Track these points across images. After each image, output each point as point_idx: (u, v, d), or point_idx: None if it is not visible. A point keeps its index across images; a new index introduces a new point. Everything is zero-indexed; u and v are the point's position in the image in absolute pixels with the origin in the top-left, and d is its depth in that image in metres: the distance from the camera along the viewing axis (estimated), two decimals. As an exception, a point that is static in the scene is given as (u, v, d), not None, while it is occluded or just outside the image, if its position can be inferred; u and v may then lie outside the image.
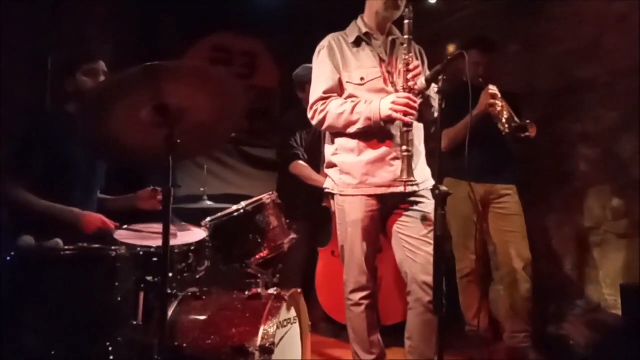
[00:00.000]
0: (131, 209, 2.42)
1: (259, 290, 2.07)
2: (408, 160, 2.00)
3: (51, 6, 3.33)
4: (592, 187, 3.27)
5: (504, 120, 2.76)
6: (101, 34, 3.55)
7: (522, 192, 3.12)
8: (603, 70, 3.22)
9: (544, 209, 3.45)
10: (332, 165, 2.27)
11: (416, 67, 2.06)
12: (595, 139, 3.26)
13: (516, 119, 2.75)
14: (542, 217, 3.43)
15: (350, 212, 2.19)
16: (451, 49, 1.88)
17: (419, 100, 2.06)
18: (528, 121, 2.72)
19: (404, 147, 2.01)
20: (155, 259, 1.92)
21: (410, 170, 2.00)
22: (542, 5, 3.53)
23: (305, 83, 3.15)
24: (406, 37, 2.07)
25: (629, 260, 3.04)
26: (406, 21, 2.07)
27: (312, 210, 3.20)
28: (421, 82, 1.98)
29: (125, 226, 2.11)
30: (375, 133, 2.13)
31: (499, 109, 2.78)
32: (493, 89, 2.84)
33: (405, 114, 2.00)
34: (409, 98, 2.01)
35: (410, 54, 2.08)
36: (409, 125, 2.02)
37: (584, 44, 3.31)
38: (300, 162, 3.21)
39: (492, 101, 2.79)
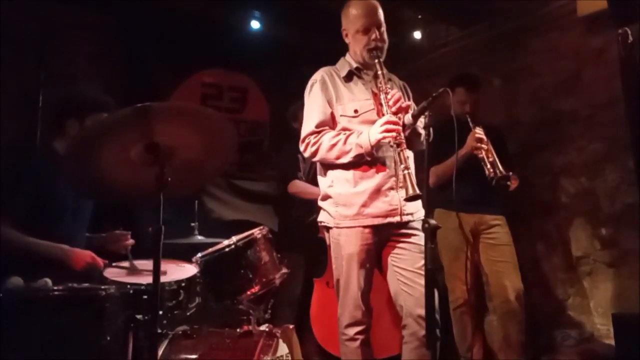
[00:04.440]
0: (102, 250, 2.39)
1: (251, 327, 2.04)
2: (410, 177, 1.97)
3: (40, 44, 3.38)
4: (578, 217, 3.32)
5: (488, 165, 2.85)
6: (90, 71, 3.59)
7: (510, 222, 3.15)
8: (583, 103, 3.32)
9: (532, 238, 3.48)
10: (327, 197, 2.28)
11: (394, 94, 2.13)
12: (579, 169, 3.33)
13: (500, 168, 2.82)
14: (531, 247, 3.46)
15: (345, 246, 2.20)
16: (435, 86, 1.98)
17: (404, 122, 2.09)
18: (511, 173, 2.80)
19: (402, 166, 2.00)
20: (145, 297, 1.90)
21: (414, 186, 1.95)
22: (522, 40, 3.66)
23: (298, 111, 3.26)
24: (379, 72, 2.19)
25: (620, 290, 3.06)
26: (376, 60, 2.19)
27: (308, 241, 3.20)
28: (408, 118, 2.03)
29: (114, 263, 2.09)
30: (368, 163, 2.16)
31: (484, 152, 2.87)
32: (480, 132, 2.92)
33: (392, 131, 2.03)
34: (390, 120, 2.05)
35: (387, 85, 2.16)
36: (400, 145, 2.03)
37: (564, 78, 3.42)
38: (297, 180, 3.27)
39: (477, 144, 2.89)
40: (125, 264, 2.10)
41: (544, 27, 3.52)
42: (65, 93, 2.39)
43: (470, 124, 2.98)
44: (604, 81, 3.17)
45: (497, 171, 2.79)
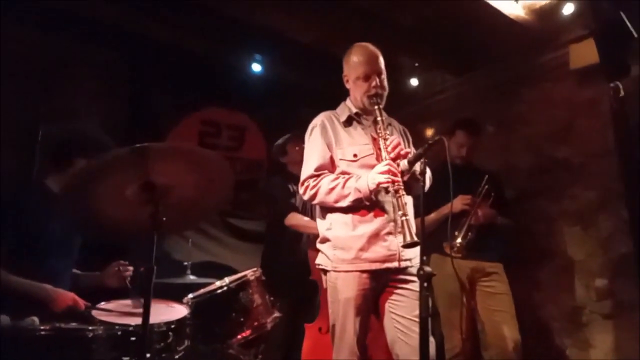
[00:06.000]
0: (99, 287, 2.35)
1: (240, 373, 1.99)
2: (407, 224, 1.99)
3: (43, 78, 3.42)
4: (573, 266, 3.30)
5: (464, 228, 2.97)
6: (91, 107, 3.63)
7: (506, 269, 3.12)
8: (576, 152, 3.36)
9: (527, 286, 3.45)
10: (326, 240, 2.26)
11: (393, 140, 2.16)
12: (574, 217, 3.34)
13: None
14: (527, 295, 3.42)
15: (342, 290, 2.16)
16: (431, 132, 2.02)
17: (401, 168, 2.10)
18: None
19: (400, 212, 2.01)
20: (133, 339, 1.85)
21: (412, 233, 1.97)
22: (516, 89, 3.75)
23: (286, 145, 3.34)
24: (379, 118, 2.22)
25: (618, 342, 3.01)
26: (376, 107, 2.22)
27: (297, 284, 3.13)
28: (404, 163, 2.05)
29: (102, 303, 2.05)
30: (367, 207, 2.16)
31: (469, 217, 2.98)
32: (467, 201, 2.98)
33: (390, 177, 2.05)
34: (389, 165, 2.08)
35: (387, 131, 2.20)
36: (398, 191, 2.05)
37: (557, 127, 3.48)
38: (296, 213, 3.19)
39: (465, 208, 2.98)
40: (111, 305, 2.05)
41: (538, 77, 3.62)
42: (65, 131, 2.39)
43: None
44: (596, 131, 3.22)
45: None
